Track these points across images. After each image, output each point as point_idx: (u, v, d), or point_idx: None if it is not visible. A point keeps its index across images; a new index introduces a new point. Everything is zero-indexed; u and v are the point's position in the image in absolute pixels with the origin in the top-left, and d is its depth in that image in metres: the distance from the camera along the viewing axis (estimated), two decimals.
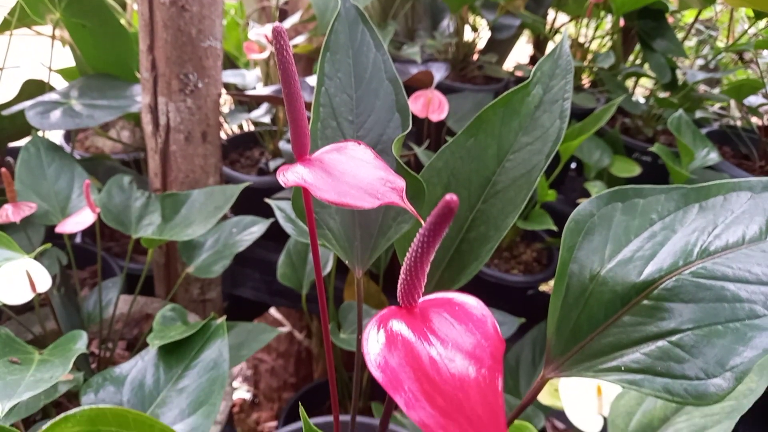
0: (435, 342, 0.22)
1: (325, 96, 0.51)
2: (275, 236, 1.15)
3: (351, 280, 1.05)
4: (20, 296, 0.63)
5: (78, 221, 0.76)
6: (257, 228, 0.94)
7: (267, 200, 0.82)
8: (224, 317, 0.72)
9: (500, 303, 0.95)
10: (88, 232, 1.25)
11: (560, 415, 0.97)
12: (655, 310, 0.34)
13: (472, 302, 0.24)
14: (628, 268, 0.36)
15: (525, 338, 0.95)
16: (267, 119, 1.15)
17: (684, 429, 0.59)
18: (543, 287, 1.22)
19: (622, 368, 0.34)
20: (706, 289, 0.33)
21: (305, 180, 0.31)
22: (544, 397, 0.81)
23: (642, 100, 1.23)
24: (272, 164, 1.20)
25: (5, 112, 0.87)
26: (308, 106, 0.80)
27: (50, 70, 1.00)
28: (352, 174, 0.32)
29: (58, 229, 0.76)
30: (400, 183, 0.31)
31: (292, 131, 0.34)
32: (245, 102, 1.28)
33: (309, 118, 0.51)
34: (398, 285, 0.25)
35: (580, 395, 0.74)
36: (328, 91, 0.51)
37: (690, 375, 0.32)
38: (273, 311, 1.86)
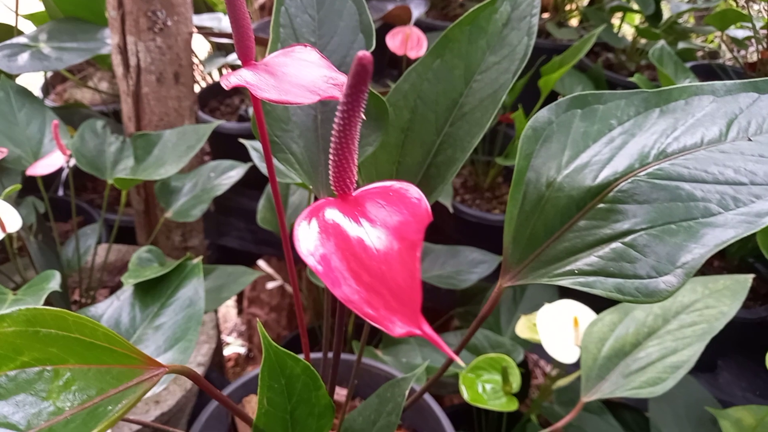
0: (364, 223, 0.22)
1: (285, 16, 0.49)
2: (260, 185, 1.15)
3: None
4: None
5: (48, 163, 0.75)
6: (235, 172, 0.93)
7: (241, 140, 0.81)
8: (200, 257, 0.72)
9: (481, 242, 0.95)
10: (68, 185, 1.24)
11: (538, 348, 0.98)
12: (609, 212, 0.34)
13: (408, 187, 0.24)
14: (584, 173, 0.35)
15: None
16: None
17: (655, 352, 0.60)
18: None
19: (576, 271, 0.33)
20: (661, 189, 0.33)
21: (247, 81, 0.30)
22: (522, 331, 0.82)
23: (629, 39, 1.21)
24: (251, 111, 1.17)
25: None
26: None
27: (17, 14, 0.97)
28: (295, 74, 0.31)
29: (29, 172, 0.75)
30: (342, 79, 0.30)
31: (235, 35, 0.33)
32: (224, 48, 1.25)
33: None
34: (330, 173, 0.24)
35: (556, 327, 0.75)
36: (288, 10, 0.49)
37: (641, 274, 0.31)
38: (264, 265, 1.86)
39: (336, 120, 0.23)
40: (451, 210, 0.92)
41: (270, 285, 1.88)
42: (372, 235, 0.21)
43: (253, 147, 0.81)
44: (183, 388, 0.82)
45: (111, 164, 0.87)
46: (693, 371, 0.90)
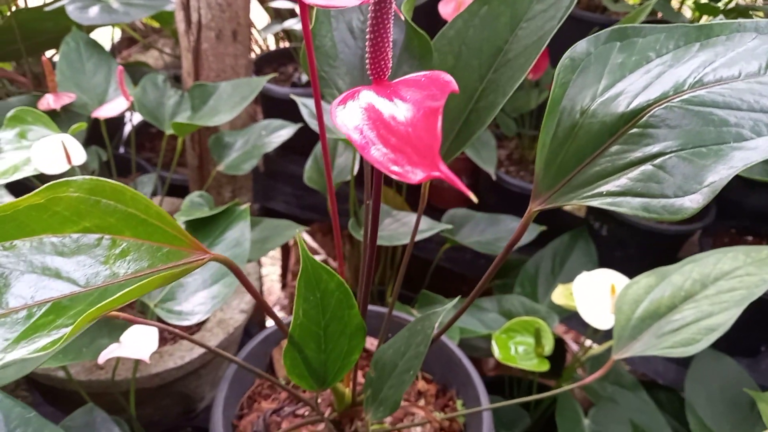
0: (396, 100, 0.23)
1: None
2: (306, 151, 1.18)
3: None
4: (57, 167, 0.67)
5: (113, 107, 0.79)
6: (286, 131, 0.96)
7: (292, 96, 0.84)
8: (248, 204, 0.75)
9: (523, 213, 0.95)
10: (128, 143, 1.30)
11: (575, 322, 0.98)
12: (641, 137, 0.34)
13: (440, 73, 0.25)
14: (618, 100, 0.36)
15: (546, 249, 0.96)
16: (299, 27, 1.16)
17: (690, 315, 0.60)
18: None
19: (604, 193, 0.34)
20: (693, 115, 0.33)
21: None
22: (559, 298, 0.82)
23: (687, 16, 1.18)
24: (304, 78, 1.21)
25: (48, 8, 0.91)
26: None
27: None
28: None
29: (95, 114, 0.80)
30: None
31: None
32: (281, 15, 1.29)
33: None
34: (367, 60, 0.26)
35: (593, 294, 0.75)
36: None
37: (668, 194, 0.32)
38: (308, 239, 1.90)
39: (371, 7, 0.25)
40: (494, 177, 0.93)
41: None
42: (401, 108, 0.23)
43: (303, 103, 0.84)
44: (225, 331, 0.86)
45: (169, 115, 0.91)
46: (734, 355, 0.89)
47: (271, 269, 2.21)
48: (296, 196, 1.31)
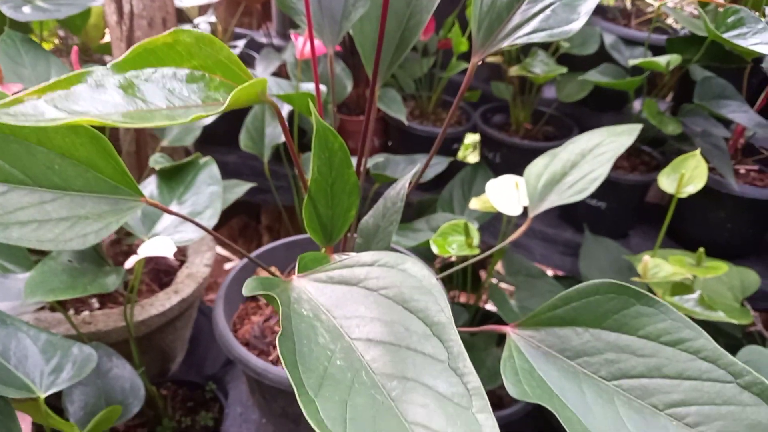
0: None
1: None
2: (229, 142, 1.29)
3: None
4: None
5: None
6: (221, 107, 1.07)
7: None
8: (209, 157, 0.86)
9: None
10: None
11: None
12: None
13: None
14: None
15: (454, 179, 1.14)
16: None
17: (578, 174, 0.80)
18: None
19: (522, 35, 0.52)
20: None
21: None
22: (475, 205, 1.00)
23: None
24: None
25: None
26: None
27: None
28: None
29: None
30: None
31: None
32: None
33: None
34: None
35: (503, 191, 0.94)
36: None
37: (561, 25, 0.50)
38: (220, 249, 1.96)
39: None
40: (406, 123, 1.10)
41: (228, 266, 1.99)
42: None
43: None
44: (196, 282, 0.95)
45: None
46: (611, 237, 1.12)
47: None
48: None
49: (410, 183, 0.67)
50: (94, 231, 0.52)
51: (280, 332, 0.34)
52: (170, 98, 0.41)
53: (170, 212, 0.55)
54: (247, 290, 0.37)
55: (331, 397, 0.31)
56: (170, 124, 0.35)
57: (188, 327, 1.03)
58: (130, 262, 0.64)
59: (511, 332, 0.49)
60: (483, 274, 1.21)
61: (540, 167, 0.84)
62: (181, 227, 0.77)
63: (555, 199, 0.79)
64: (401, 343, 0.35)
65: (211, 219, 0.79)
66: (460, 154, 1.39)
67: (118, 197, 0.55)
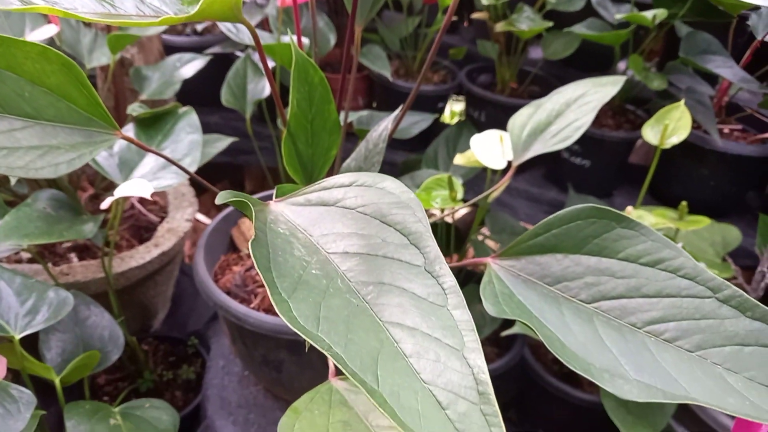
0: None
1: None
2: (208, 102, 1.27)
3: None
4: None
5: (43, 32, 0.85)
6: (198, 62, 1.05)
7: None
8: (189, 106, 0.84)
9: (415, 109, 1.13)
10: None
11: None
12: None
13: None
14: None
15: (439, 137, 1.13)
16: None
17: (563, 123, 0.80)
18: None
19: None
20: None
21: None
22: (459, 160, 1.00)
23: None
24: (200, 27, 1.29)
25: None
26: None
27: None
28: None
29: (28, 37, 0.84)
30: None
31: None
32: None
33: None
34: None
35: (487, 145, 0.93)
36: None
37: None
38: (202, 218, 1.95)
39: None
40: (390, 79, 1.09)
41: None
42: None
43: (228, 28, 0.94)
44: (176, 236, 0.94)
45: (87, 52, 0.97)
46: (595, 197, 1.12)
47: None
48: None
49: (393, 124, 0.66)
50: (66, 161, 0.50)
51: (252, 238, 0.33)
52: (141, 7, 0.39)
53: (147, 149, 0.53)
54: (220, 199, 0.36)
55: (305, 299, 0.30)
56: (139, 25, 0.33)
57: (169, 283, 1.02)
58: (106, 203, 0.62)
59: (492, 262, 0.48)
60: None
61: (524, 117, 0.83)
62: (160, 173, 0.76)
63: (539, 148, 0.78)
64: (378, 252, 0.34)
65: (190, 167, 0.77)
66: (447, 120, 1.39)
67: (92, 129, 0.54)
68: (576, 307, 0.42)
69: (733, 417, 0.88)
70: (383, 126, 0.64)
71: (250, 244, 0.32)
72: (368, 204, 0.39)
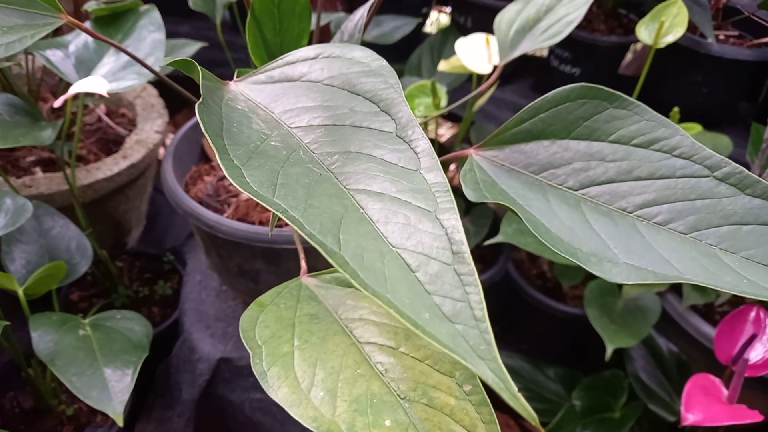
0: None
1: None
2: (178, 11, 1.19)
3: None
4: None
5: None
6: None
7: None
8: (151, 4, 0.78)
9: (399, 13, 1.07)
10: None
11: None
12: None
13: None
14: None
15: (424, 44, 1.08)
16: None
17: (553, 19, 0.74)
18: None
19: None
20: None
21: None
22: (443, 66, 0.95)
23: None
24: None
25: None
26: None
27: None
28: None
29: None
30: None
31: None
32: None
33: None
34: None
35: (472, 48, 0.88)
36: None
37: None
38: None
39: None
40: None
41: None
42: None
43: None
44: (146, 148, 0.89)
45: None
46: None
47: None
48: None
49: (369, 11, 0.61)
50: (4, 43, 0.45)
51: (199, 101, 0.29)
52: None
53: (106, 40, 0.48)
54: (165, 61, 0.32)
55: (260, 167, 0.27)
56: None
57: (142, 198, 0.98)
58: (59, 101, 0.58)
59: (474, 153, 0.45)
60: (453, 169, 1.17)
61: (512, 14, 0.78)
62: (120, 74, 0.70)
63: (528, 45, 0.73)
64: (345, 122, 0.31)
65: (155, 64, 0.72)
66: (431, 32, 1.32)
67: (34, 11, 0.48)
68: (563, 194, 0.39)
69: (715, 325, 0.88)
70: (359, 14, 0.59)
71: (196, 106, 0.28)
72: (336, 75, 0.34)
